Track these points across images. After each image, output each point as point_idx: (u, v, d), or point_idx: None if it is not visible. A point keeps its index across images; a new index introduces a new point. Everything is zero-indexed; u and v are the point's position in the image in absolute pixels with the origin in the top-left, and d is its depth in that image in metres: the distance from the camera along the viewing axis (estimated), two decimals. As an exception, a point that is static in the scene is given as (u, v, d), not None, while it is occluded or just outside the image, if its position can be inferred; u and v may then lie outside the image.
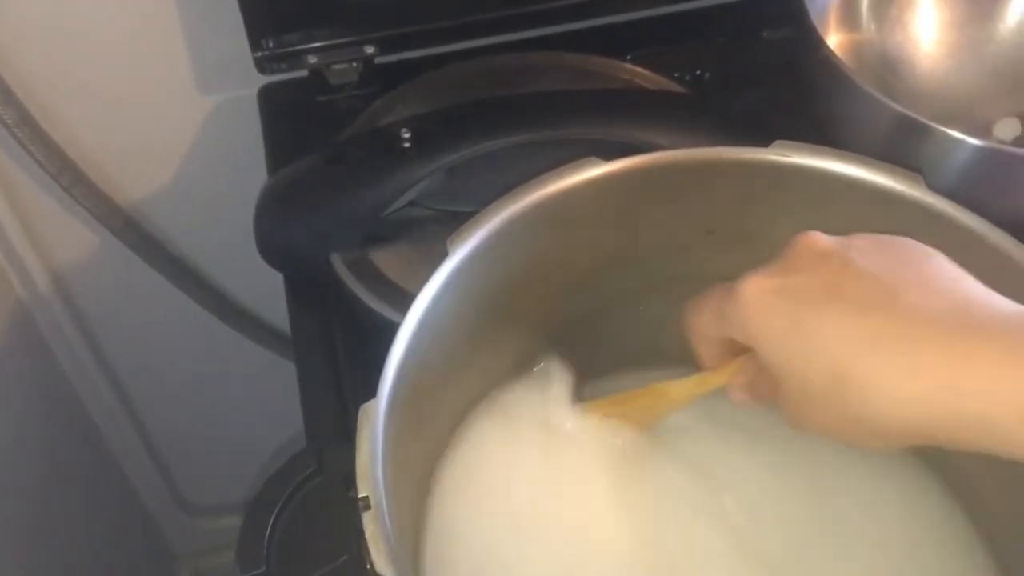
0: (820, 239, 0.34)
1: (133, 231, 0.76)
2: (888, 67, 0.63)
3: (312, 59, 0.65)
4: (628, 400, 0.43)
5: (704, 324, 0.37)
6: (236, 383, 0.93)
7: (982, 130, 0.62)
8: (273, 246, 0.57)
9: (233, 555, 1.10)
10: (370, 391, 0.36)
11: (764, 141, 0.43)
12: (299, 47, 0.65)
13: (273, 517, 0.34)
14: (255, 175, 0.65)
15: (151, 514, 1.07)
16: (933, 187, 0.40)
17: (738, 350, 0.37)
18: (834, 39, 0.62)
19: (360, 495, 0.31)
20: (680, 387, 0.41)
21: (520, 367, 0.44)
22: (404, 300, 0.54)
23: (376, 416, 0.33)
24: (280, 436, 0.93)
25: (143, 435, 0.98)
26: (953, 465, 0.45)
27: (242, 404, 0.96)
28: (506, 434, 0.42)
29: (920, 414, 0.30)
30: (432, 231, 0.58)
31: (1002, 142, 0.62)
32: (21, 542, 0.79)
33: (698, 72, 0.68)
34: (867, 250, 0.33)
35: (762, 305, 0.33)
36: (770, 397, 0.36)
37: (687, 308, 0.38)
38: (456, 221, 0.57)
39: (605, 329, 0.46)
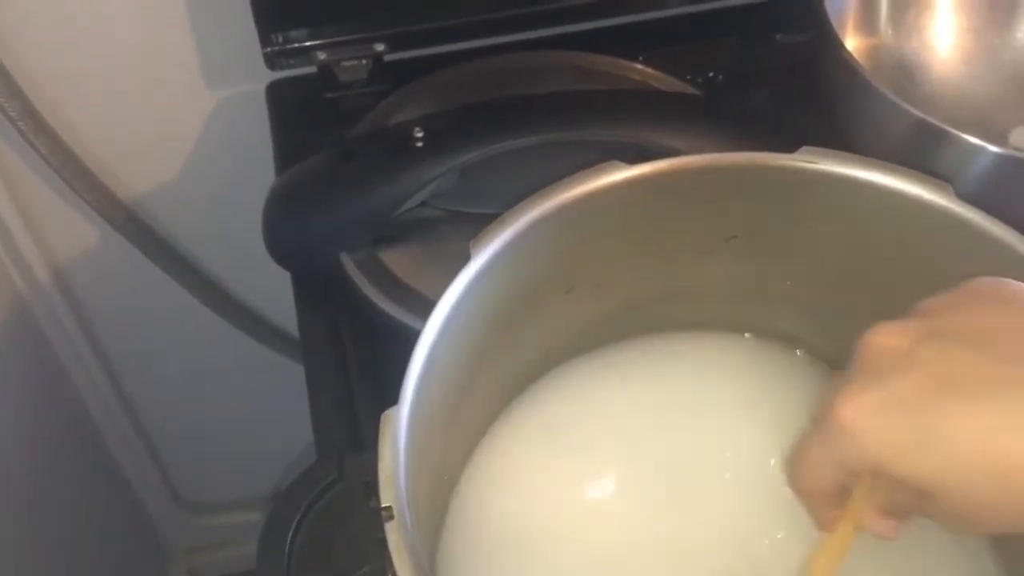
0: (891, 335, 0.31)
1: (135, 226, 0.75)
2: (904, 72, 0.63)
3: (321, 55, 0.65)
4: None
5: (812, 478, 0.33)
6: (236, 381, 0.92)
7: (997, 137, 0.62)
8: (282, 244, 0.56)
9: (228, 552, 1.10)
10: (381, 393, 0.36)
11: (780, 145, 0.43)
12: (309, 43, 0.64)
13: (292, 528, 0.33)
14: (261, 171, 0.64)
15: (147, 509, 1.06)
16: (961, 196, 0.40)
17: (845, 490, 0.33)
18: (851, 43, 0.61)
19: (383, 504, 0.31)
20: (823, 559, 0.35)
21: (545, 370, 0.44)
22: (415, 301, 0.54)
23: (398, 423, 0.33)
24: (279, 434, 0.93)
25: (141, 430, 0.97)
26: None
27: (241, 402, 0.95)
28: (534, 444, 0.42)
29: None
30: (444, 232, 0.58)
31: (1018, 149, 0.61)
32: (15, 534, 0.78)
33: (711, 74, 0.68)
34: (947, 323, 0.30)
35: (875, 427, 0.29)
36: (917, 506, 0.31)
37: (787, 472, 0.34)
38: (468, 222, 0.57)
39: (629, 332, 0.46)
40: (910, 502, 0.31)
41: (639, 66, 0.67)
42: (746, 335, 0.49)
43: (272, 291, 0.76)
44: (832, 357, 0.49)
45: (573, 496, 0.42)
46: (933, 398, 0.28)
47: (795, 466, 0.34)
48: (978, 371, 0.28)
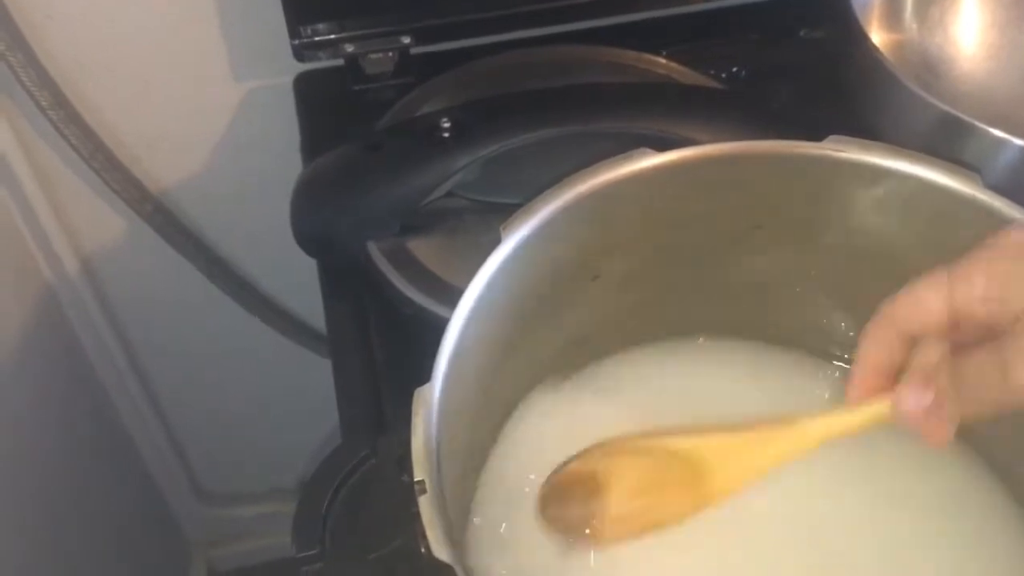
0: None
1: (163, 217, 0.76)
2: (928, 67, 0.63)
3: (349, 48, 0.65)
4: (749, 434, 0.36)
5: (915, 312, 0.31)
6: (259, 373, 0.93)
7: (1020, 133, 0.62)
8: (310, 233, 0.57)
9: (247, 544, 1.10)
10: (407, 379, 0.36)
11: (807, 137, 0.43)
12: (336, 36, 0.65)
13: (327, 500, 0.34)
14: (288, 164, 0.65)
15: (167, 501, 1.07)
16: (990, 186, 0.40)
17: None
18: (875, 38, 0.61)
19: (416, 479, 0.31)
20: (826, 423, 0.33)
21: (571, 357, 0.44)
22: (442, 289, 0.55)
23: (431, 400, 0.33)
24: (301, 427, 0.93)
25: (163, 421, 0.98)
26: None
27: (265, 395, 0.95)
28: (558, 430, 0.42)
29: None
30: (469, 221, 0.58)
31: (1043, 144, 0.61)
32: (38, 522, 0.79)
33: (734, 69, 0.68)
34: None
35: None
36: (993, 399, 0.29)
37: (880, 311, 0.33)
38: (493, 212, 0.57)
39: (655, 319, 0.46)
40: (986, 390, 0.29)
41: (663, 60, 0.67)
42: (771, 345, 0.49)
43: (297, 284, 0.76)
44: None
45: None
46: None
47: (901, 299, 0.32)
48: None
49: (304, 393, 0.87)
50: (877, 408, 0.32)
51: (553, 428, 0.44)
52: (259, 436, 0.99)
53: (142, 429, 0.97)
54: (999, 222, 0.39)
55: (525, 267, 0.39)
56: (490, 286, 0.37)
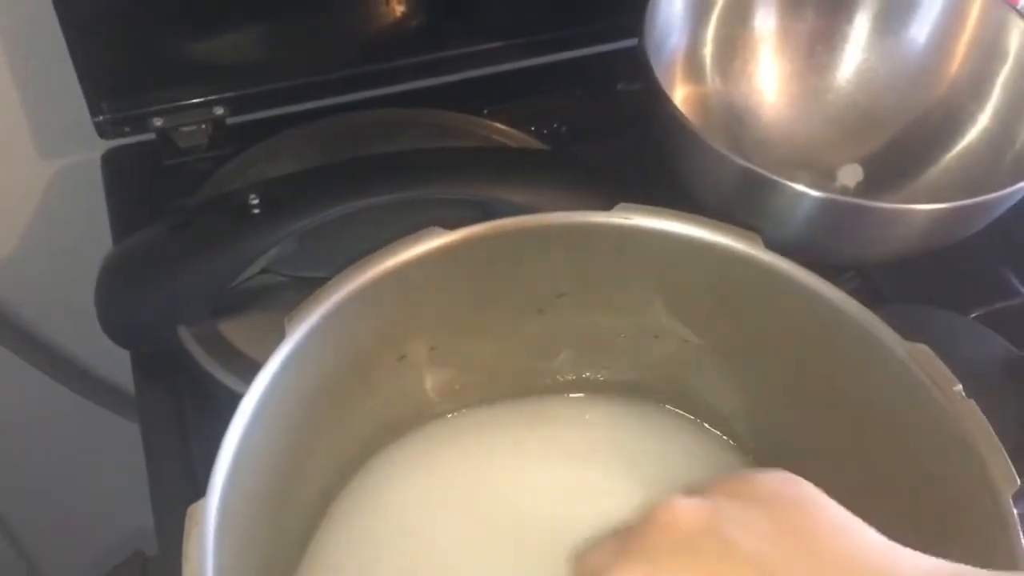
0: (685, 514, 0.31)
1: (-29, 304, 0.71)
2: (735, 118, 0.65)
3: (157, 122, 0.63)
4: None
5: None
6: (92, 453, 0.88)
7: (827, 176, 0.65)
8: (116, 322, 0.54)
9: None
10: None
11: (620, 197, 0.43)
12: (143, 110, 0.63)
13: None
14: (103, 241, 0.62)
15: (10, 599, 1.00)
16: (772, 244, 0.41)
17: None
18: (681, 92, 0.63)
19: (187, 610, 0.29)
20: None
21: (383, 443, 0.43)
22: (257, 372, 0.53)
23: (206, 519, 0.31)
24: (140, 507, 0.89)
25: (-4, 517, 0.92)
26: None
27: (99, 474, 0.91)
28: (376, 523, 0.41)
29: None
30: (287, 299, 0.56)
31: (845, 187, 0.64)
32: None
33: (555, 125, 0.69)
34: (743, 520, 0.30)
35: None
36: None
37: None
38: (312, 288, 0.56)
39: (469, 391, 0.45)
40: None
41: (485, 120, 0.67)
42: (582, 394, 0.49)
43: (122, 359, 0.73)
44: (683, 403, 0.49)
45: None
46: None
47: None
48: None
49: (141, 470, 0.83)
50: None
51: (369, 525, 0.42)
52: (100, 518, 0.94)
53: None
54: (780, 280, 0.40)
55: (317, 358, 0.38)
56: (275, 384, 0.36)
